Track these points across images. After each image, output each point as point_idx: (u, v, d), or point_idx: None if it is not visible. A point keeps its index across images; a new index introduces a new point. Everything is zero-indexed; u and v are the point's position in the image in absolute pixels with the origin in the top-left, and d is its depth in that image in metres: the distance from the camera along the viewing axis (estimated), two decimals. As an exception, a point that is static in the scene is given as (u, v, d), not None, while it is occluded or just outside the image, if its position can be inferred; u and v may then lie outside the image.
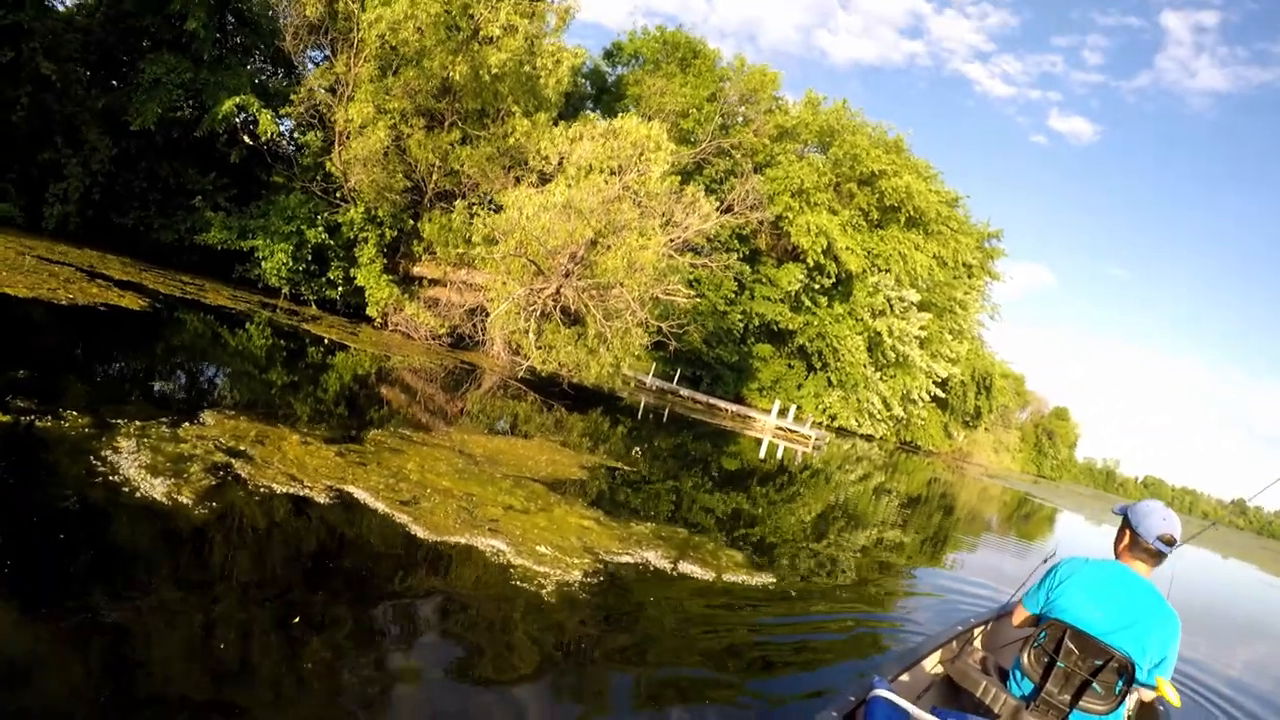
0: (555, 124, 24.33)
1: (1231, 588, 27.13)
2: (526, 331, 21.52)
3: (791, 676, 6.07)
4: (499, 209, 22.17)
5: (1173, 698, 3.51)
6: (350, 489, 7.02)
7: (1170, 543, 3.66)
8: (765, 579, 8.07)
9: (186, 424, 7.44)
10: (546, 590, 5.93)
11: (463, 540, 6.53)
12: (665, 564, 7.53)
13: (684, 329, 23.93)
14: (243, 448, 7.25)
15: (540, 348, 21.40)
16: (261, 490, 6.34)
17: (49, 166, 19.27)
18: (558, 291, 20.58)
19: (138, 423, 6.99)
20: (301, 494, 6.54)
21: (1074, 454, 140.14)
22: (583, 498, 9.40)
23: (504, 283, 21.07)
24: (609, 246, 20.66)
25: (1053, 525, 34.66)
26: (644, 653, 5.60)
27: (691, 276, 43.88)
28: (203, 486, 5.96)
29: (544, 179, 23.20)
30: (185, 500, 5.59)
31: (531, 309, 20.76)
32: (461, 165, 23.68)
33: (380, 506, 6.80)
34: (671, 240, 21.95)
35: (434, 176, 24.10)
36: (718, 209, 23.46)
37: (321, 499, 6.57)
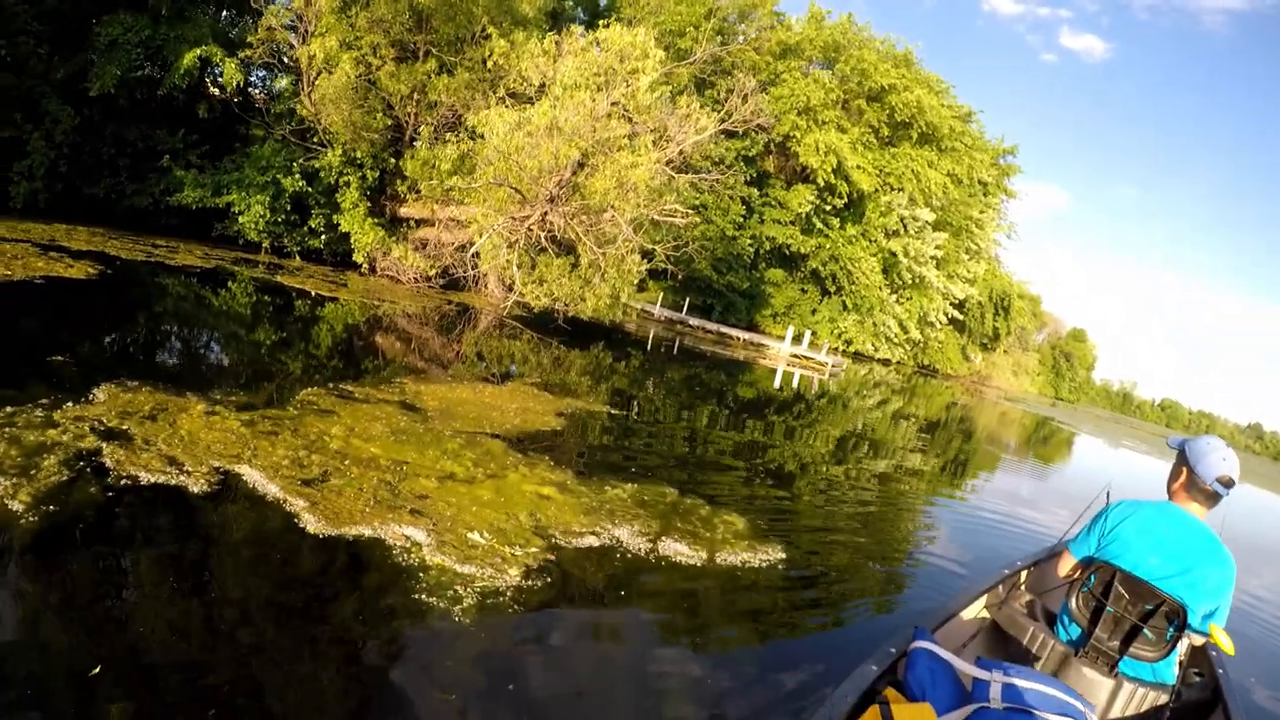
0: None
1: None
2: (518, 265, 19.98)
3: (821, 638, 5.52)
4: (478, 137, 20.40)
5: (1227, 645, 3.34)
6: (241, 470, 5.54)
7: (1229, 485, 3.47)
8: (773, 554, 6.52)
9: (70, 403, 6.02)
10: (462, 606, 4.39)
11: (367, 532, 5.02)
12: (642, 543, 5.95)
13: (682, 250, 22.27)
14: (126, 427, 5.81)
15: (534, 281, 19.86)
16: (122, 483, 4.90)
17: (11, 144, 17.77)
18: (544, 219, 18.86)
19: (8, 409, 5.60)
20: (173, 483, 5.07)
21: (1091, 376, 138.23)
22: (550, 455, 7.81)
23: (484, 215, 19.37)
24: (597, 168, 18.88)
25: (1071, 449, 33.87)
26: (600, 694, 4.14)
27: (697, 201, 42.47)
28: (48, 485, 4.61)
29: (528, 103, 21.33)
30: (17, 507, 4.27)
31: (515, 240, 19.10)
32: (439, 96, 21.87)
33: (272, 490, 5.31)
34: (667, 158, 20.08)
35: (412, 110, 22.31)
36: (718, 120, 21.51)
37: (197, 487, 5.09)
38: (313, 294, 16.29)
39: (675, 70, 30.07)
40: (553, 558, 5.28)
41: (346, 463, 6.18)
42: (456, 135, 20.36)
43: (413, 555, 4.85)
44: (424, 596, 4.42)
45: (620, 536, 5.97)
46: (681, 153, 20.63)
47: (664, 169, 19.74)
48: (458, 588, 4.56)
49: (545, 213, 18.72)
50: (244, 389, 7.76)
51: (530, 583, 4.85)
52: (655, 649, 4.65)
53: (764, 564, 6.27)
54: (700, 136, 20.36)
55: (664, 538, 6.18)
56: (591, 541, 5.75)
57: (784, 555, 6.61)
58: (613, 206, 18.46)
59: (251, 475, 5.50)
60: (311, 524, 4.96)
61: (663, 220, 20.87)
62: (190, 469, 5.33)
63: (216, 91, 21.19)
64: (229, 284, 14.95)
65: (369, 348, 12.54)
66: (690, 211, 22.16)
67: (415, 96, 22.17)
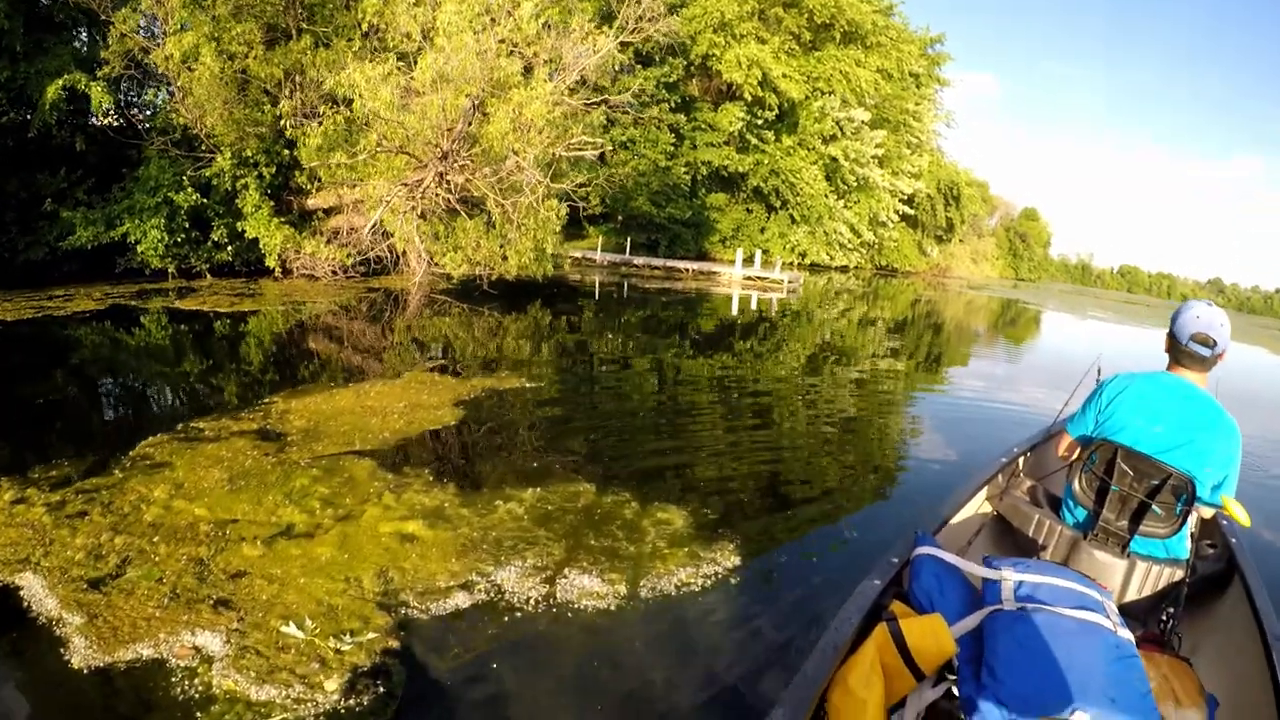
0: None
1: (1266, 379, 25.11)
2: (434, 234, 18.33)
3: (819, 562, 5.19)
4: (347, 103, 18.49)
5: (1241, 516, 3.26)
6: (23, 579, 4.14)
7: (1205, 342, 3.35)
8: (725, 556, 4.97)
9: None
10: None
11: (147, 651, 3.53)
12: (536, 586, 4.35)
13: (597, 184, 20.69)
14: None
15: (450, 249, 18.22)
16: None
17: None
18: (442, 179, 17.11)
19: None
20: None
21: (1048, 253, 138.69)
22: (431, 467, 6.17)
23: (374, 187, 17.61)
24: (491, 114, 17.11)
25: (1040, 327, 34.04)
26: None
27: (625, 137, 40.90)
28: None
29: (411, 59, 19.41)
30: None
31: (414, 206, 17.37)
32: (318, 73, 19.82)
33: (49, 606, 3.90)
34: (568, 86, 18.30)
35: (293, 93, 20.22)
36: (615, 33, 19.70)
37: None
38: (219, 312, 14.51)
39: (580, 4, 28.25)
40: (396, 644, 3.70)
41: (156, 540, 4.65)
42: (333, 109, 18.48)
43: (198, 680, 3.33)
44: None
45: (503, 582, 4.36)
46: (584, 80, 18.91)
47: (565, 99, 18.00)
48: (243, 727, 3.04)
49: (441, 172, 16.97)
50: (73, 456, 6.11)
51: (353, 701, 3.27)
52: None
53: (711, 567, 4.77)
54: (599, 56, 18.60)
55: (568, 569, 4.58)
56: (459, 601, 4.13)
57: (736, 552, 5.06)
58: (514, 151, 16.72)
59: (31, 586, 4.08)
60: (80, 650, 3.51)
61: (573, 155, 19.16)
62: (-36, 589, 3.91)
63: (100, 120, 19.27)
64: (124, 323, 13.12)
65: (255, 365, 10.72)
66: (602, 143, 20.51)
67: (296, 78, 20.18)
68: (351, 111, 17.80)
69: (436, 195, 17.48)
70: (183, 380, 9.70)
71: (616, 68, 37.93)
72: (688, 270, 37.04)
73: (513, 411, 8.52)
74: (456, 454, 6.86)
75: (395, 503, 5.37)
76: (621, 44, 26.06)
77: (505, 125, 16.54)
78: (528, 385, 9.69)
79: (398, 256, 20.32)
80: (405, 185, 17.16)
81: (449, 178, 17.09)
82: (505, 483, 5.97)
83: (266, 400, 8.09)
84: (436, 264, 19.11)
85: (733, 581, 4.71)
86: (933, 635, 2.66)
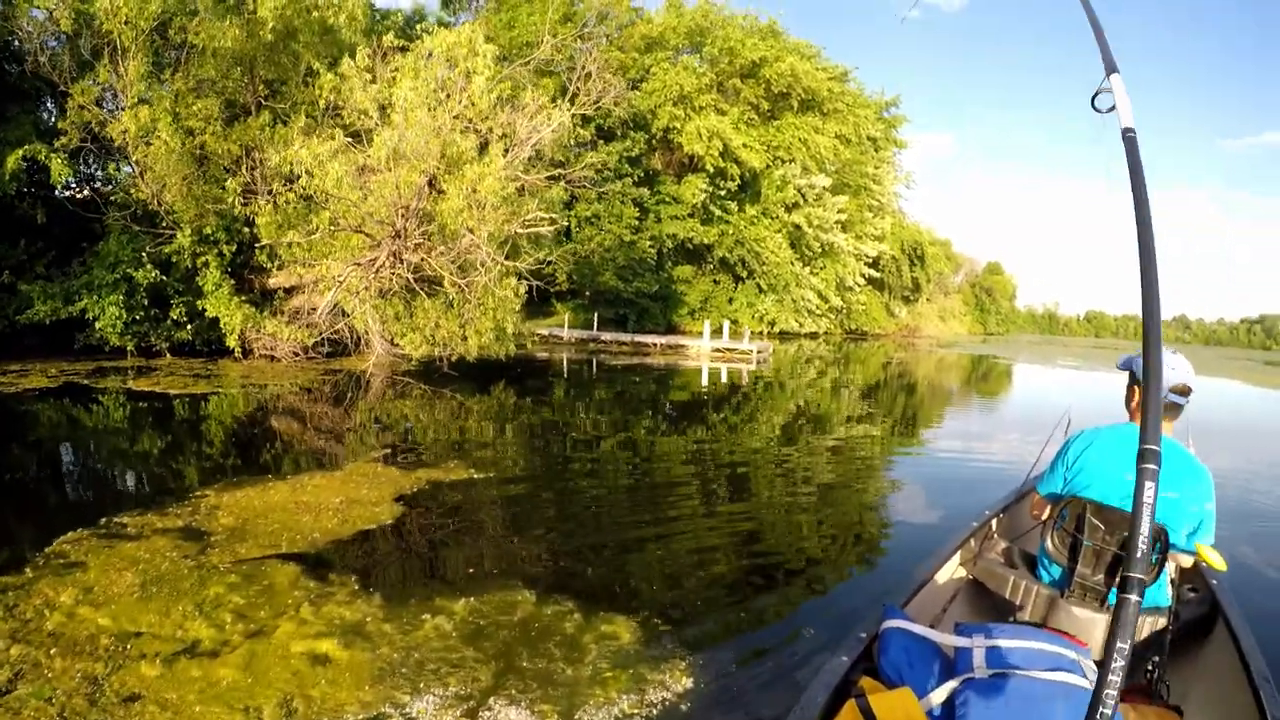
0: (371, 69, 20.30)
1: (1242, 413, 25.24)
2: (395, 315, 18.04)
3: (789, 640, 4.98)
4: (295, 179, 18.22)
5: (1217, 563, 3.29)
6: None
7: (1184, 392, 3.33)
8: (676, 677, 4.36)
9: None
10: None
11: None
12: None
13: (547, 266, 20.49)
14: None
15: (410, 330, 17.91)
16: None
17: None
18: (396, 258, 16.78)
19: None
20: None
21: (1015, 305, 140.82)
22: (359, 574, 5.61)
23: (326, 267, 17.28)
24: (443, 192, 16.84)
25: (1012, 380, 34.61)
26: None
27: (589, 213, 40.95)
28: None
29: (365, 135, 19.18)
30: None
31: (367, 286, 17.02)
32: (276, 150, 19.56)
33: None
34: (522, 160, 18.05)
35: (251, 170, 19.93)
36: (568, 105, 19.60)
37: None
38: (174, 394, 14.04)
39: (541, 81, 28.36)
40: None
41: (53, 653, 4.24)
42: (287, 187, 18.19)
43: None
44: None
45: (419, 715, 3.79)
46: (540, 154, 18.76)
47: (518, 174, 17.82)
48: None
49: (396, 251, 16.65)
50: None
51: None
52: None
53: (659, 692, 4.19)
54: (551, 127, 18.45)
55: (494, 699, 3.98)
56: (366, 743, 3.59)
57: (687, 662, 4.51)
58: (469, 229, 16.44)
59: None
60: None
61: (531, 232, 18.88)
62: None
63: (61, 192, 19.36)
64: (76, 403, 12.76)
65: (197, 453, 10.17)
66: (558, 218, 20.35)
67: (255, 155, 19.93)
68: (303, 189, 17.49)
69: (392, 274, 17.17)
70: (120, 468, 9.33)
71: (577, 143, 38.24)
72: (656, 345, 36.86)
73: (456, 507, 7.92)
74: (388, 558, 6.31)
75: (313, 616, 4.83)
76: (582, 118, 26.18)
77: (459, 202, 16.28)
78: (476, 476, 9.08)
79: (359, 337, 19.96)
80: (359, 265, 16.82)
81: (404, 256, 16.80)
82: (437, 591, 5.40)
83: (198, 493, 7.60)
84: (396, 344, 18.72)
85: (684, 708, 4.06)
86: (903, 710, 2.63)
